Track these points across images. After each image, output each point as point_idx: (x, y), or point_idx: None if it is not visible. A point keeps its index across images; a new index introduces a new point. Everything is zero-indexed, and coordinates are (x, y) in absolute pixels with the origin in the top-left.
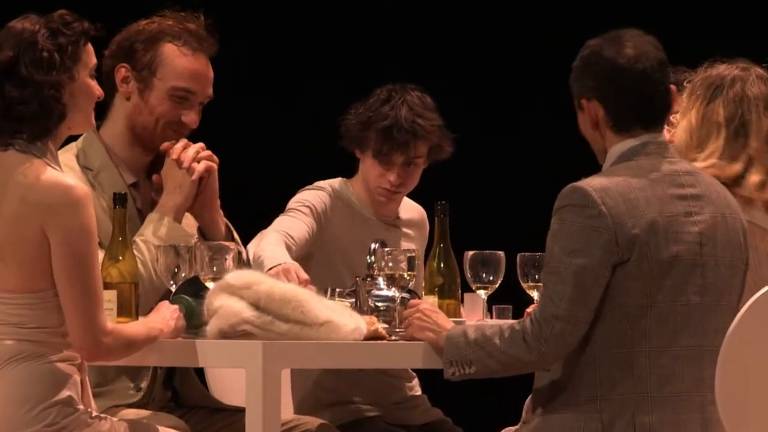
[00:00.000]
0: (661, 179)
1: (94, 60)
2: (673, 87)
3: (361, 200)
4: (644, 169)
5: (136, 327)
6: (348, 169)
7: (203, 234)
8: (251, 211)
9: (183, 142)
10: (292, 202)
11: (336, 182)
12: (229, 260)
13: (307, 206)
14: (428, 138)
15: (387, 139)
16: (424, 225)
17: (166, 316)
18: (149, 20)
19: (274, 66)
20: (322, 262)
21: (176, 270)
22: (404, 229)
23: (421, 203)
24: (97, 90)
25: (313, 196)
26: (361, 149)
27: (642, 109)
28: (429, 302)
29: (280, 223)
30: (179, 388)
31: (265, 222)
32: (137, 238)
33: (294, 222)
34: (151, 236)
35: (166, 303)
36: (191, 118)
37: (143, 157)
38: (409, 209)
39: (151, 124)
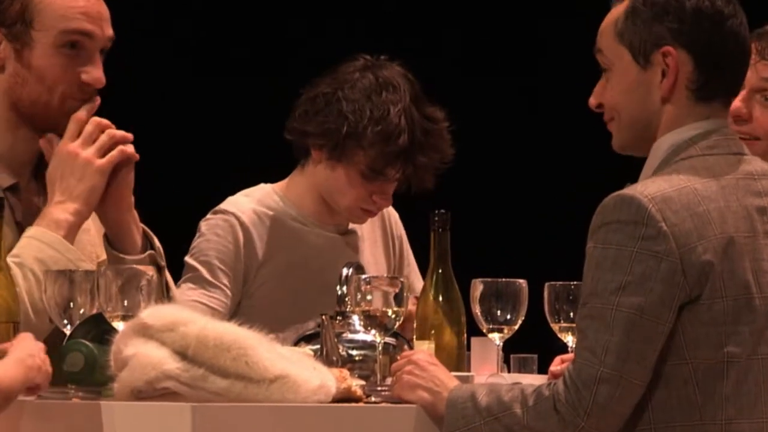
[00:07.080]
0: (735, 185)
1: None
2: None
3: (301, 210)
4: (712, 169)
5: (10, 369)
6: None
7: (110, 243)
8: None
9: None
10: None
11: (257, 195)
12: (147, 291)
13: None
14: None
15: (395, 162)
16: (391, 220)
17: (33, 350)
18: None
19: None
20: (263, 306)
21: (71, 305)
22: (359, 232)
23: (414, 213)
24: None
25: (217, 247)
26: (339, 159)
27: (734, 74)
28: (423, 350)
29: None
30: None
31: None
32: (11, 260)
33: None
34: (30, 260)
35: (28, 335)
36: (95, 75)
37: (29, 146)
38: None
39: (43, 96)
